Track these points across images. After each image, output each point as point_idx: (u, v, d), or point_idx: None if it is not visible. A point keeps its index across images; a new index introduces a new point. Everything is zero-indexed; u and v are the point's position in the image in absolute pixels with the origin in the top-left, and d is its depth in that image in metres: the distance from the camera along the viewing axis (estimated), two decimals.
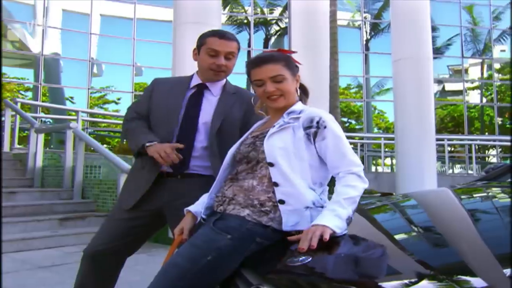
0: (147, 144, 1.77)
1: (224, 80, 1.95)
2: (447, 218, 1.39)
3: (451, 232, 1.21)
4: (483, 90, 20.89)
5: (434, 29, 15.04)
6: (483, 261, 0.98)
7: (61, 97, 16.22)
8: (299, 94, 1.58)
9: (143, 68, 16.90)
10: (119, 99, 18.78)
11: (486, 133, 19.51)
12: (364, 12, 18.94)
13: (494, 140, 16.02)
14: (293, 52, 1.59)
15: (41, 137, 6.30)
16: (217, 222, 1.38)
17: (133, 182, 1.91)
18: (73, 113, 9.27)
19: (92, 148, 5.93)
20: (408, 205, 1.86)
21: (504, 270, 0.92)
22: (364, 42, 18.56)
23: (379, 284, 0.98)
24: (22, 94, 17.62)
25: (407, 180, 6.52)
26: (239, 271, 1.29)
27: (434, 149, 6.88)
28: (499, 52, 21.04)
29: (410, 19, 6.89)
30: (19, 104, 7.88)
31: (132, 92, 16.07)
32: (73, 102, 16.88)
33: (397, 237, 1.31)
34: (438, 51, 17.49)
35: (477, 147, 13.43)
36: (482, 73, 20.84)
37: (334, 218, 1.28)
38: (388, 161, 15.44)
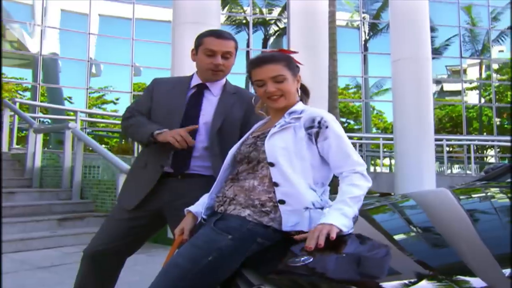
0: (157, 132, 1.75)
1: (224, 80, 1.95)
2: (446, 219, 1.39)
3: (450, 232, 1.22)
4: (482, 90, 20.93)
5: (432, 29, 15.08)
6: (482, 261, 0.98)
7: (60, 97, 16.22)
8: (299, 94, 1.58)
9: (141, 68, 16.89)
10: (117, 99, 18.78)
11: (485, 134, 19.54)
12: (363, 13, 18.96)
13: (493, 141, 16.06)
14: (294, 52, 1.59)
15: (40, 137, 6.29)
16: (217, 223, 1.39)
17: (133, 182, 1.90)
18: (72, 113, 9.29)
19: (90, 148, 5.92)
20: (407, 205, 1.86)
21: (503, 270, 0.92)
22: (363, 43, 18.58)
23: (380, 284, 0.99)
24: (21, 94, 17.61)
25: (406, 180, 6.53)
26: (240, 271, 1.29)
27: (433, 149, 6.89)
28: (497, 52, 21.11)
29: (409, 19, 6.90)
30: (17, 104, 7.88)
31: (131, 92, 16.06)
32: (71, 102, 16.88)
33: (396, 237, 1.31)
34: (436, 52, 17.51)
35: (475, 147, 13.49)
36: (480, 74, 20.88)
37: (341, 217, 1.28)
38: (386, 161, 15.47)
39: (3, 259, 3.36)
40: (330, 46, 7.65)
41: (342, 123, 19.79)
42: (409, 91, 6.73)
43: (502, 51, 21.28)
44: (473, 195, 1.86)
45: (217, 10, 5.52)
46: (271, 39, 18.87)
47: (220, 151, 1.75)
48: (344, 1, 18.68)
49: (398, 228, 1.46)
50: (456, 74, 21.26)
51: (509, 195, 1.69)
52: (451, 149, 18.58)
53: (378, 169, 15.05)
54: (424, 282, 0.94)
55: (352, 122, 21.49)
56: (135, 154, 8.22)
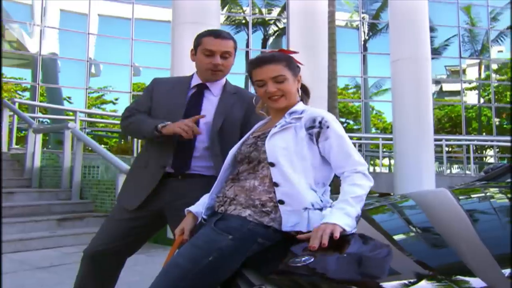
0: (161, 124, 1.74)
1: (224, 80, 1.95)
2: (445, 219, 1.39)
3: (450, 232, 1.22)
4: (481, 90, 20.95)
5: (432, 29, 15.08)
6: (482, 261, 0.98)
7: (59, 97, 16.20)
8: (300, 94, 1.58)
9: (141, 68, 16.89)
10: (117, 99, 18.78)
11: (484, 134, 19.57)
12: (362, 13, 18.97)
13: (492, 141, 16.07)
14: (295, 52, 1.59)
15: (39, 137, 6.29)
16: (218, 223, 1.39)
17: (134, 182, 1.90)
18: (71, 113, 9.29)
19: (90, 148, 5.91)
20: (406, 205, 1.86)
21: (503, 270, 0.92)
22: (362, 43, 18.59)
23: (380, 284, 0.99)
24: (20, 94, 17.58)
25: (405, 180, 6.53)
26: (240, 271, 1.29)
27: (432, 149, 6.90)
28: (496, 52, 21.14)
29: (408, 20, 6.91)
30: (16, 104, 7.88)
31: (130, 92, 16.05)
32: (70, 102, 16.86)
33: (395, 237, 1.31)
34: (435, 52, 17.53)
35: (474, 148, 13.50)
36: (479, 74, 20.90)
37: (344, 216, 1.28)
38: (386, 161, 15.46)
39: (2, 259, 3.36)
40: (330, 46, 7.66)
41: (341, 123, 19.77)
42: (409, 91, 6.73)
43: (501, 51, 21.31)
44: (472, 195, 1.86)
45: (217, 10, 5.52)
46: (271, 39, 18.88)
47: (221, 150, 1.75)
48: (344, 1, 18.69)
49: (397, 228, 1.46)
50: (456, 74, 21.28)
51: (508, 195, 1.69)
52: (450, 149, 18.60)
53: (378, 169, 15.07)
54: (424, 282, 0.94)
55: (351, 122, 21.50)
56: (135, 154, 8.22)
